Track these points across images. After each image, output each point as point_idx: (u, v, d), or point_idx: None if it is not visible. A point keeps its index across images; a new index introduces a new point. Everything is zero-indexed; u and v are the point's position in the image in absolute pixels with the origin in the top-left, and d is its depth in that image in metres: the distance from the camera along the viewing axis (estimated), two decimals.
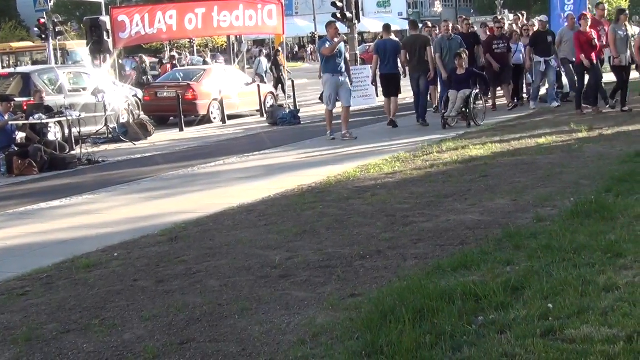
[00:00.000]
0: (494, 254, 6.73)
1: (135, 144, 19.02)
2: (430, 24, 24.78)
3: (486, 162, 11.79)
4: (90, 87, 20.61)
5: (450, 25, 19.74)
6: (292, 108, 22.77)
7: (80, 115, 18.29)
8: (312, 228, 8.46)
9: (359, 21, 29.18)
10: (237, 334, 5.43)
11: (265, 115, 23.64)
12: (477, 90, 17.68)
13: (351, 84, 17.99)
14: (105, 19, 22.53)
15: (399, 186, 10.54)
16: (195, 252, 7.85)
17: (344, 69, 16.52)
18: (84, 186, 13.10)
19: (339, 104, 16.71)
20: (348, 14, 26.80)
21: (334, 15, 25.46)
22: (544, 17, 22.30)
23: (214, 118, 24.20)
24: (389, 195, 9.95)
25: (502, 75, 20.02)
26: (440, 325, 5.07)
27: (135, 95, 24.31)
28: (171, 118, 24.04)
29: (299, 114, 22.14)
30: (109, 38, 21.49)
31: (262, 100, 25.14)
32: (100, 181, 13.60)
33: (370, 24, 72.62)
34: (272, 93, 27.13)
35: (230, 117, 24.32)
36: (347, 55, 19.31)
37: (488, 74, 19.35)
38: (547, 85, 20.31)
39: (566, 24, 19.46)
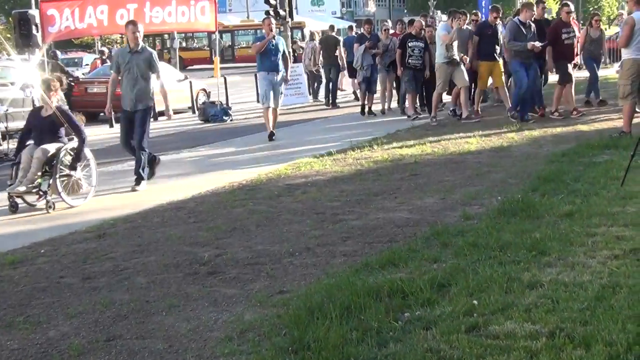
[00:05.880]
0: (422, 251, 6.80)
1: None
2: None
3: (416, 161, 11.90)
4: (19, 81, 20.21)
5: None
6: (224, 105, 22.66)
7: (7, 110, 17.94)
8: (242, 225, 8.45)
9: (292, 19, 29.19)
10: (164, 330, 5.40)
11: (197, 112, 23.47)
12: (72, 146, 10.56)
13: (286, 83, 17.04)
14: (34, 12, 22.01)
15: (329, 184, 10.59)
16: (123, 248, 7.78)
17: (280, 67, 15.79)
18: None
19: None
20: (281, 12, 26.79)
21: (267, 12, 25.41)
22: None
23: None
24: (319, 193, 9.99)
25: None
26: (367, 322, 5.11)
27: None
28: (101, 114, 23.66)
29: (231, 111, 22.05)
30: (37, 32, 21.10)
31: (194, 96, 24.98)
32: None
33: (305, 21, 72.63)
34: (204, 90, 26.94)
35: (162, 113, 24.03)
36: (289, 51, 19.28)
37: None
38: None
39: None
